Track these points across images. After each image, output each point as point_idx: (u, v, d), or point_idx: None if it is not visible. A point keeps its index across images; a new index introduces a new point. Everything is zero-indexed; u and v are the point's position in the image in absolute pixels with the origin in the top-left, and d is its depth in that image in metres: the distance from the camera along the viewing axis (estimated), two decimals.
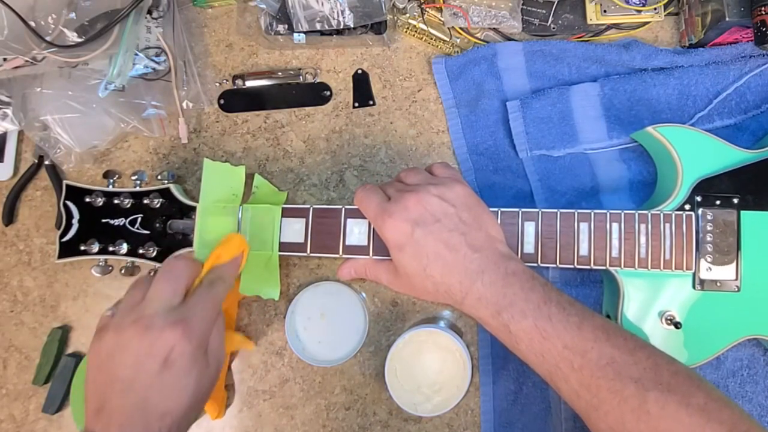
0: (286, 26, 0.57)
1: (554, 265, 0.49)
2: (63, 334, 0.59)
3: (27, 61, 0.52)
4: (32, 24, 0.52)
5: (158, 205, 0.54)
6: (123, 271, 0.55)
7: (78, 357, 0.58)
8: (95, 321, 0.58)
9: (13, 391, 0.59)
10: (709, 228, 0.49)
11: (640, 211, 0.49)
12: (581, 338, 0.40)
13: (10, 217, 0.61)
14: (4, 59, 0.53)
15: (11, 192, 0.60)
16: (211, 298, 0.45)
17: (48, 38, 0.52)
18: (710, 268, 0.49)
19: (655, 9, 0.57)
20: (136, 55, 0.56)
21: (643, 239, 0.49)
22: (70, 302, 0.60)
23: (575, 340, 0.40)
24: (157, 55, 0.57)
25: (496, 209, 0.49)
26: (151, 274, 0.54)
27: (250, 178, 0.57)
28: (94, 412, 0.41)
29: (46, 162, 0.60)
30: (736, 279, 0.49)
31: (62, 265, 0.60)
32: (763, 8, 0.50)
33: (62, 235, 0.54)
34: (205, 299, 0.45)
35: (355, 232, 0.51)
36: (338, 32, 0.57)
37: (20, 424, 0.59)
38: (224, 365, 0.55)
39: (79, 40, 0.53)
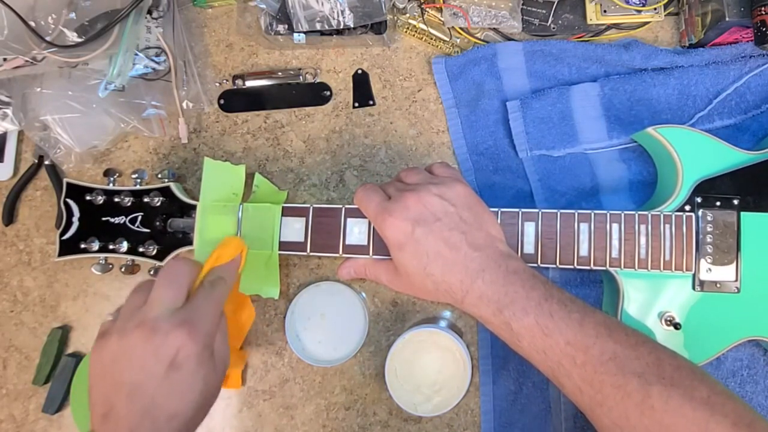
0: (286, 26, 0.57)
1: (554, 266, 0.49)
2: (63, 334, 0.59)
3: (27, 61, 0.52)
4: (32, 24, 0.52)
5: (158, 204, 0.54)
6: (123, 270, 0.55)
7: (78, 357, 0.58)
8: (95, 321, 0.60)
9: (13, 391, 0.59)
10: (709, 229, 0.49)
11: (640, 212, 0.49)
12: (583, 334, 0.40)
13: (10, 217, 0.61)
14: (4, 59, 0.53)
15: (11, 192, 0.60)
16: (213, 299, 0.44)
17: (48, 38, 0.52)
18: (710, 269, 0.49)
19: (655, 9, 0.57)
20: (136, 55, 0.56)
21: (643, 240, 0.49)
22: (70, 302, 0.60)
23: (577, 336, 0.40)
24: (157, 55, 0.57)
25: (496, 209, 0.49)
26: (152, 273, 0.54)
27: (250, 177, 0.57)
28: (101, 417, 0.40)
29: (46, 162, 0.60)
30: (736, 280, 0.49)
31: (62, 264, 0.60)
32: (763, 8, 0.50)
33: (62, 233, 0.54)
34: (208, 300, 0.44)
35: (355, 232, 0.51)
36: (338, 32, 0.57)
37: (20, 424, 0.58)
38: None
39: (79, 40, 0.53)
